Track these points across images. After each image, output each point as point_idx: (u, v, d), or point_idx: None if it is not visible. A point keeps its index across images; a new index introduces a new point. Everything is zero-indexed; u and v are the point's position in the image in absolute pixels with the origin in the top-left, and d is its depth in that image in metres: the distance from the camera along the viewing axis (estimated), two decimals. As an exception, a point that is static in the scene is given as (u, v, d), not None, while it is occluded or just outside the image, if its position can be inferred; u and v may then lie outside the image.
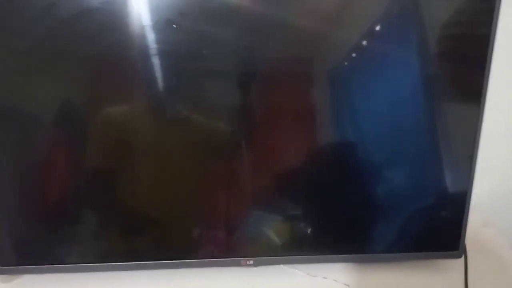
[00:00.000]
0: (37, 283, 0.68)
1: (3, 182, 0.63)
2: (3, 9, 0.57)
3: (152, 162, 0.66)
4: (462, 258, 0.72)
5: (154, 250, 0.69)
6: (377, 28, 0.63)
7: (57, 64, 0.60)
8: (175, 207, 0.68)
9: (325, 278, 0.70)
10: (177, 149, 0.66)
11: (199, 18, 0.59)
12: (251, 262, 0.69)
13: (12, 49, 0.59)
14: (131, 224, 0.68)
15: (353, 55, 0.64)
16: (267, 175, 0.68)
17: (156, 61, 0.61)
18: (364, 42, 0.63)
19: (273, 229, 0.70)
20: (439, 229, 0.72)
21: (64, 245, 0.67)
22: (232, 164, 0.67)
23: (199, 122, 0.64)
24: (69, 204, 0.66)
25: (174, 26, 0.58)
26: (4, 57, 0.60)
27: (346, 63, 0.64)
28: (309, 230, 0.71)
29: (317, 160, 0.69)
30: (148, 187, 0.67)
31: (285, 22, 0.61)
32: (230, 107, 0.65)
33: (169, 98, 0.63)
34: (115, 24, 0.58)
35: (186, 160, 0.66)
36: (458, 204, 0.70)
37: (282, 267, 0.72)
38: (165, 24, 0.58)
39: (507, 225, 0.88)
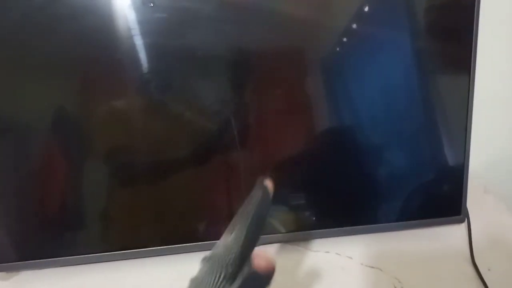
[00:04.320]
0: (35, 279, 0.66)
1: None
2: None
3: (151, 157, 0.64)
4: (465, 225, 0.72)
5: (158, 240, 0.67)
6: (366, 9, 0.63)
7: (31, 55, 0.58)
8: (178, 199, 0.67)
9: (327, 252, 0.70)
10: (172, 141, 0.64)
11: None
12: (252, 240, 0.68)
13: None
14: (132, 216, 0.66)
15: (344, 39, 0.64)
16: (266, 166, 0.67)
17: (137, 43, 0.57)
18: (354, 25, 0.63)
19: (278, 219, 0.69)
20: (440, 198, 0.72)
21: (61, 237, 0.64)
22: (227, 156, 0.66)
23: (189, 113, 0.63)
24: (67, 197, 0.64)
25: (151, 4, 0.56)
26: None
27: (337, 48, 0.64)
28: (310, 214, 0.70)
29: (316, 147, 0.68)
30: (148, 181, 0.65)
31: (274, 5, 0.60)
32: (221, 96, 0.63)
33: (152, 84, 0.60)
34: (86, 9, 0.55)
35: (182, 154, 0.65)
36: (457, 172, 0.70)
37: (282, 244, 0.71)
38: (141, 3, 0.56)
39: (507, 191, 0.88)
